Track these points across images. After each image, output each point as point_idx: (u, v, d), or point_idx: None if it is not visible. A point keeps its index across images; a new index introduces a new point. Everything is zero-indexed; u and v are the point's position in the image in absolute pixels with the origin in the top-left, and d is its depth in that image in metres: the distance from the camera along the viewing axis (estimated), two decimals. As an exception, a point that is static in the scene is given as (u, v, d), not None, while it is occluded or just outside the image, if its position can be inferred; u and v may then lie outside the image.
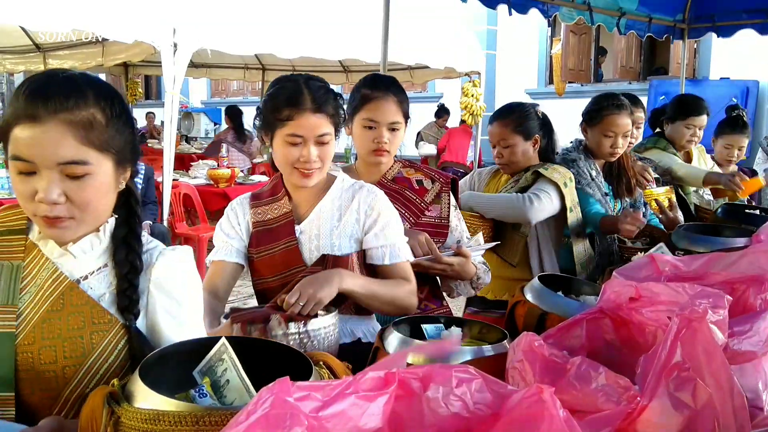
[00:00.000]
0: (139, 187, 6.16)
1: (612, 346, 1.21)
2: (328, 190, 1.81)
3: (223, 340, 1.02)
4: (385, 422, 0.76)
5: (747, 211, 2.82)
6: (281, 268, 1.77)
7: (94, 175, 1.11)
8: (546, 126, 2.64)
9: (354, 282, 1.63)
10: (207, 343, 1.00)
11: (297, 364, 0.96)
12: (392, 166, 2.12)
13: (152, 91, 17.56)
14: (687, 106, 3.36)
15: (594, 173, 2.76)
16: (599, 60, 11.67)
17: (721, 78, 9.65)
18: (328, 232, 1.76)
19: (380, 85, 2.02)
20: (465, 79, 7.96)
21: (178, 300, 1.23)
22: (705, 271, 1.53)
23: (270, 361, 1.01)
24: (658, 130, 3.52)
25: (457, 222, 2.16)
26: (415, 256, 1.89)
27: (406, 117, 2.06)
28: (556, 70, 11.18)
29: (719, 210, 2.86)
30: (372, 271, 1.79)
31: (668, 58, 10.70)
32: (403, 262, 1.78)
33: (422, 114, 12.22)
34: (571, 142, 2.89)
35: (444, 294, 2.14)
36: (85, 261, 1.20)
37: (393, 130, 2.00)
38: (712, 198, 3.36)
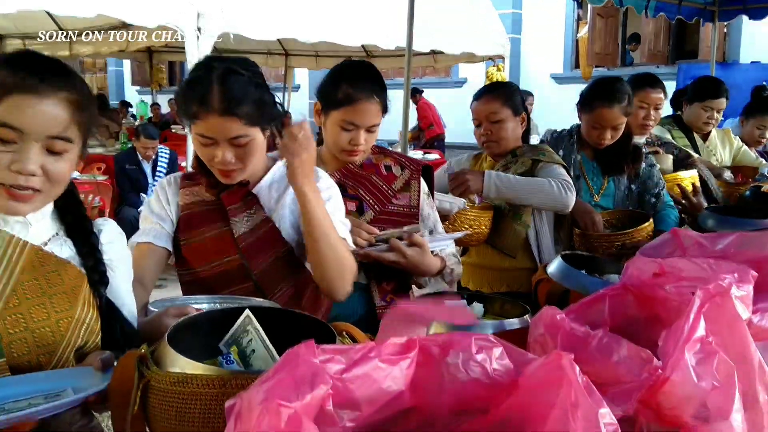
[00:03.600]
0: (164, 171, 6.25)
1: (635, 321, 1.21)
2: (265, 174, 1.70)
3: (247, 312, 1.04)
4: (407, 386, 0.78)
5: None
6: (213, 257, 1.63)
7: (70, 153, 1.18)
8: (526, 110, 2.59)
9: (313, 195, 1.51)
10: (235, 313, 1.02)
11: (321, 334, 0.98)
12: None
13: (176, 77, 17.68)
14: (704, 89, 3.34)
15: (575, 166, 2.68)
16: (631, 47, 11.51)
17: (751, 62, 9.48)
18: None
19: (364, 85, 1.86)
20: (489, 63, 7.91)
21: (113, 269, 1.30)
22: (731, 249, 1.52)
23: (294, 331, 1.02)
24: (679, 112, 3.49)
25: (430, 210, 2.04)
26: (360, 246, 1.78)
27: (385, 112, 1.94)
28: (583, 53, 11.07)
29: (747, 192, 2.82)
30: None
31: (698, 41, 10.53)
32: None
33: (445, 100, 12.17)
34: (563, 130, 2.83)
35: (414, 288, 2.00)
36: (39, 230, 1.24)
37: (370, 131, 1.90)
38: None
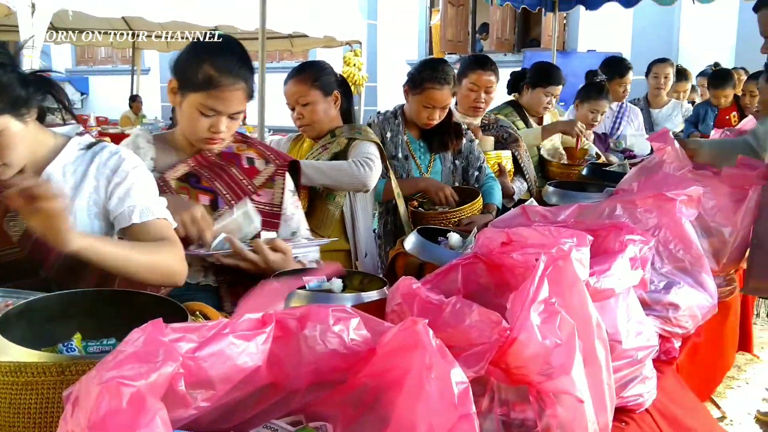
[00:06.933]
0: None
1: (486, 288, 1.26)
2: (58, 154, 1.45)
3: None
4: (264, 361, 0.76)
5: (609, 169, 3.04)
6: None
7: None
8: (344, 85, 2.54)
9: (89, 242, 1.26)
10: (73, 300, 0.95)
11: (173, 316, 0.93)
12: None
13: (10, 58, 16.25)
14: (548, 75, 3.49)
15: (403, 146, 2.71)
16: (481, 37, 12.01)
17: (588, 50, 10.20)
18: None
19: (231, 68, 1.65)
20: (346, 49, 7.94)
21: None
22: (571, 219, 1.64)
23: (145, 314, 0.97)
24: (512, 97, 3.64)
25: (294, 210, 1.87)
26: (187, 238, 1.60)
27: (250, 98, 1.75)
28: (436, 41, 11.40)
29: (585, 169, 3.04)
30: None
31: (540, 30, 11.17)
32: (160, 220, 1.46)
33: (304, 84, 12.05)
34: (387, 111, 2.83)
35: None
36: None
37: (233, 118, 1.71)
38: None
